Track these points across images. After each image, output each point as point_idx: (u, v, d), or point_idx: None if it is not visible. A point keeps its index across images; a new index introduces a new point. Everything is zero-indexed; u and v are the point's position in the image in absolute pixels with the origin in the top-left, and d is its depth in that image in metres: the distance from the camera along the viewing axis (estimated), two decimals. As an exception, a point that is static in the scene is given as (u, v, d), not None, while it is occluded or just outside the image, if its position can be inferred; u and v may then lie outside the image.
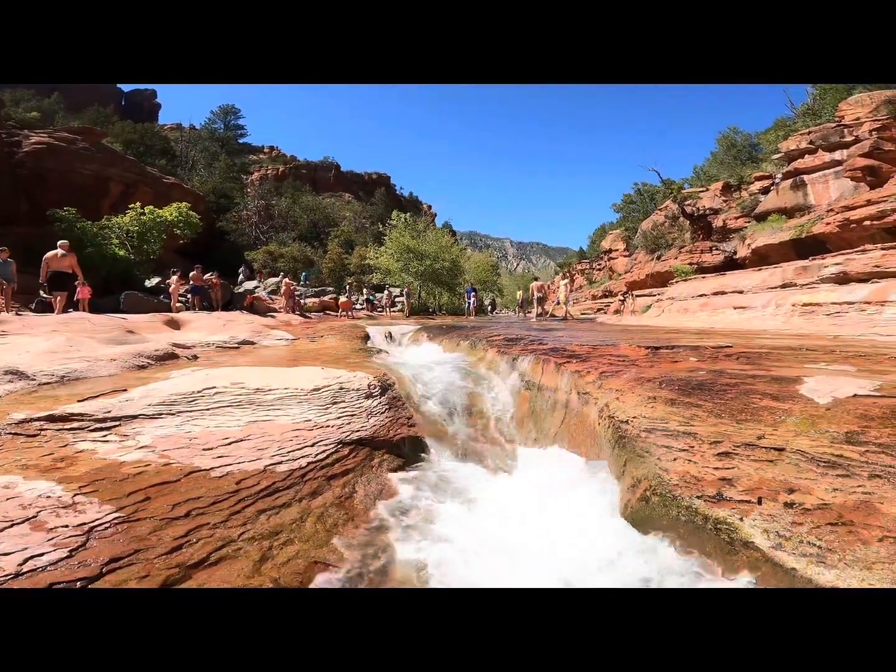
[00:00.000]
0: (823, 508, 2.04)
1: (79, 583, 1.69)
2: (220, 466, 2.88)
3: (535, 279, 19.38)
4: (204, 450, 3.13)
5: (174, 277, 15.02)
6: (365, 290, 24.53)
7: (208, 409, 3.95)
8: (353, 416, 4.14)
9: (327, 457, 3.29)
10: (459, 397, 5.51)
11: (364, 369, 5.72)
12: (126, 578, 1.75)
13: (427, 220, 29.51)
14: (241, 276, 21.31)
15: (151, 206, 17.42)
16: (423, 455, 4.06)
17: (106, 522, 2.10)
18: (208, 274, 16.66)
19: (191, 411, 3.87)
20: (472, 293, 22.65)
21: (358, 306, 23.61)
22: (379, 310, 23.41)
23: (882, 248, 10.22)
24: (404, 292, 23.19)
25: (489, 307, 23.90)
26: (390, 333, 11.78)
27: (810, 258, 12.47)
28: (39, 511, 2.11)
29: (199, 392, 4.31)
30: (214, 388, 4.47)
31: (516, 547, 2.57)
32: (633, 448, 3.04)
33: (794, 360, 4.22)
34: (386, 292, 24.19)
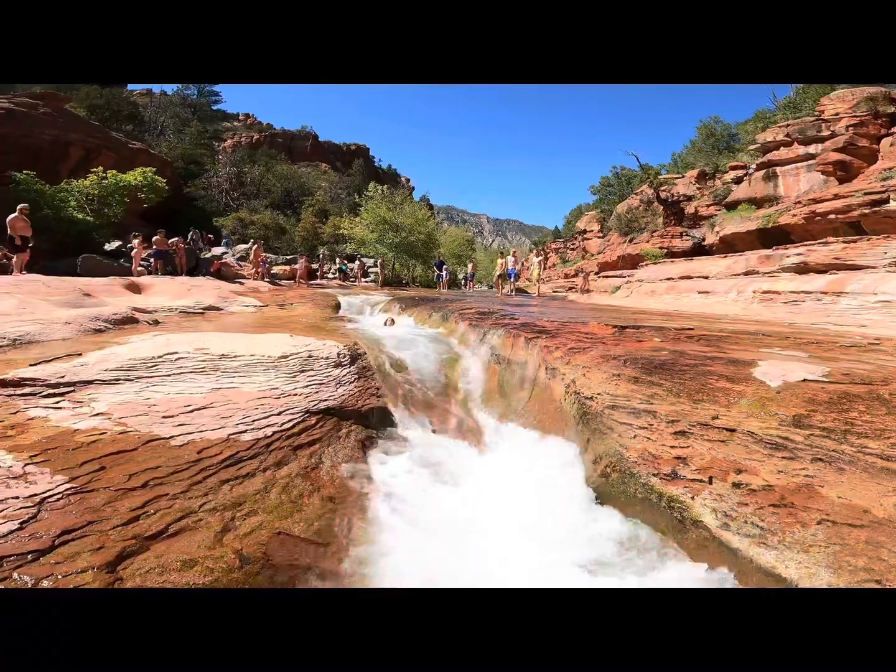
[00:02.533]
0: (768, 490, 2.16)
1: (29, 555, 1.65)
2: (181, 435, 2.81)
3: (501, 254, 19.17)
4: (164, 417, 3.05)
5: (136, 241, 14.48)
6: (338, 260, 24.18)
7: (169, 376, 3.83)
8: (321, 384, 4.09)
9: (294, 426, 3.26)
10: (429, 369, 5.52)
11: (334, 338, 5.66)
12: (79, 551, 1.71)
13: (404, 193, 29.22)
14: (191, 239, 20.36)
15: (114, 171, 17.06)
16: (391, 426, 4.06)
17: (58, 493, 2.04)
18: (173, 238, 16.13)
19: (150, 377, 3.75)
20: (444, 266, 22.57)
21: (330, 276, 23.30)
22: (351, 279, 23.12)
23: (844, 242, 10.52)
24: (378, 263, 22.99)
25: (463, 281, 23.82)
26: (362, 303, 11.65)
27: (774, 248, 12.80)
28: (-11, 482, 2.03)
29: (160, 357, 4.18)
30: (176, 353, 4.35)
31: (480, 518, 2.63)
32: (596, 425, 3.12)
33: (751, 344, 4.38)
34: (358, 262, 23.91)
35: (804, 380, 2.87)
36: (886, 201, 10.64)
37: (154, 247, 14.88)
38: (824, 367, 3.10)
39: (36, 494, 2.00)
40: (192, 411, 3.19)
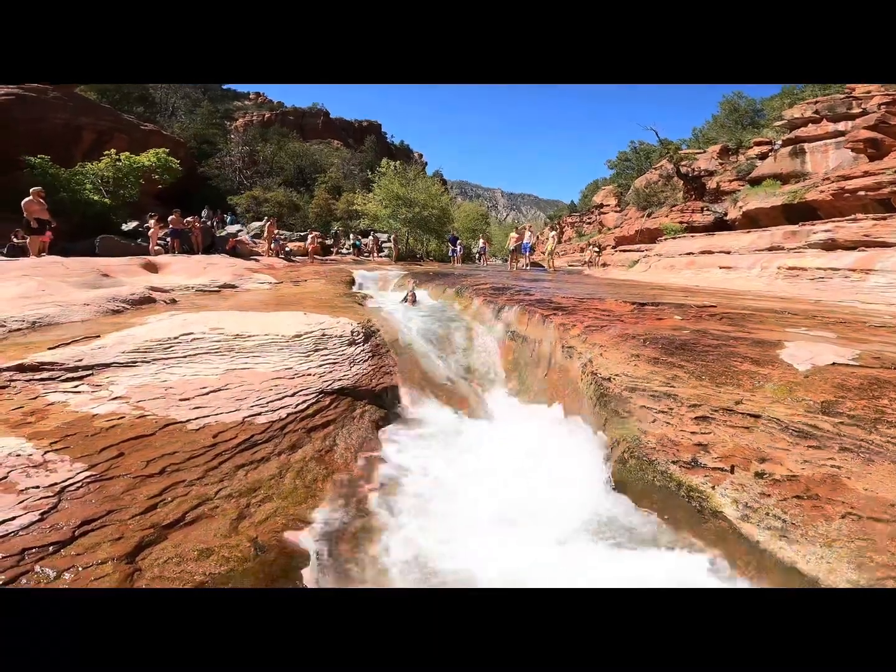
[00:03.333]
0: (792, 480, 2.07)
1: (51, 547, 1.67)
2: (198, 418, 2.83)
3: (515, 228, 19.02)
4: (180, 400, 3.07)
5: (152, 221, 14.62)
6: (351, 236, 24.25)
7: (185, 357, 3.86)
8: (335, 364, 4.09)
9: (308, 407, 3.26)
10: (444, 346, 5.48)
11: (348, 315, 5.63)
12: (99, 541, 1.74)
13: (417, 169, 28.95)
14: (204, 217, 20.49)
15: (127, 153, 17.23)
16: (406, 405, 4.06)
17: (78, 482, 2.06)
18: (188, 218, 16.28)
19: (167, 359, 3.78)
20: (457, 241, 22.47)
21: (344, 251, 23.36)
22: (365, 254, 23.13)
23: (874, 219, 10.11)
24: (391, 238, 23.01)
25: (477, 255, 23.68)
26: (376, 279, 11.59)
27: (800, 224, 12.36)
28: (10, 471, 2.05)
29: (175, 338, 4.20)
30: (192, 333, 4.36)
31: (498, 502, 2.62)
32: (613, 407, 3.05)
33: (776, 324, 4.23)
34: (372, 237, 23.94)
35: (833, 363, 2.75)
36: (918, 179, 10.26)
37: (170, 226, 15.00)
38: (854, 350, 2.96)
39: (56, 483, 2.03)
40: (207, 393, 3.21)
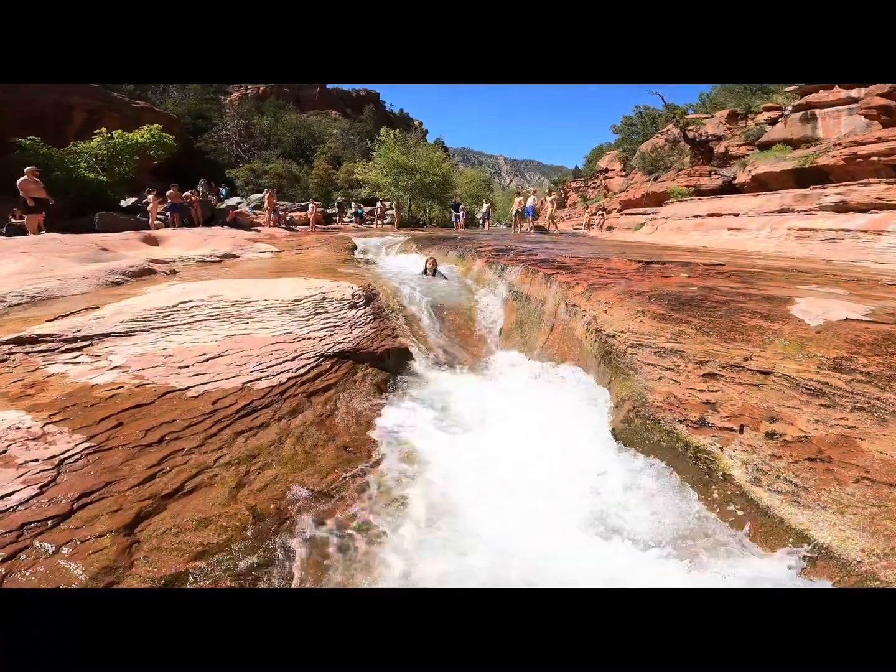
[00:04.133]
0: (804, 441, 1.99)
1: (49, 521, 1.67)
2: (196, 385, 2.80)
3: (518, 192, 18.92)
4: (179, 368, 3.04)
5: (150, 196, 14.52)
6: (353, 204, 24.05)
7: (184, 325, 3.82)
8: (335, 327, 4.04)
9: (308, 371, 3.23)
10: (446, 307, 5.40)
11: (349, 279, 5.55)
12: (97, 514, 1.73)
13: (417, 136, 28.45)
14: (200, 190, 20.21)
15: (120, 130, 17.10)
16: (408, 367, 4.02)
17: (77, 453, 2.05)
18: (187, 192, 16.14)
19: (165, 327, 3.74)
20: (460, 207, 22.52)
21: (346, 219, 23.22)
22: (368, 222, 22.97)
23: (887, 182, 10.06)
24: (393, 205, 22.86)
25: (480, 221, 23.47)
26: (379, 245, 11.41)
27: (811, 187, 12.35)
28: (9, 445, 2.04)
29: (174, 306, 4.15)
30: (191, 301, 4.31)
31: (504, 463, 2.60)
32: (618, 364, 2.98)
33: (786, 281, 4.09)
34: (379, 204, 23.81)
35: (846, 319, 2.64)
36: (933, 146, 10.06)
37: (169, 200, 14.86)
38: (867, 306, 2.84)
39: (55, 456, 2.02)
40: (206, 360, 3.18)
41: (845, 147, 12.38)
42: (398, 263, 8.68)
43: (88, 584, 1.43)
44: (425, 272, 6.54)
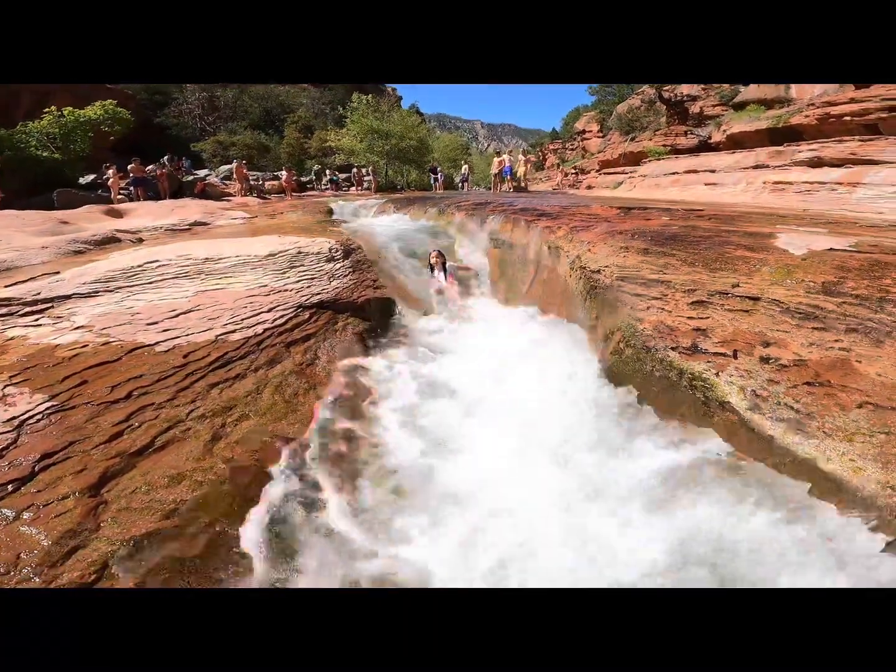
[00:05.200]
0: (800, 365, 1.93)
1: (10, 486, 1.56)
2: (166, 340, 2.66)
3: (497, 153, 18.72)
4: (148, 324, 2.89)
5: (110, 171, 13.63)
6: (328, 171, 23.34)
7: (151, 283, 3.63)
8: (313, 279, 3.89)
9: (286, 322, 3.09)
10: (427, 257, 5.24)
11: (326, 236, 5.34)
12: (60, 475, 1.61)
13: (391, 102, 27.37)
14: (164, 163, 19.23)
15: (71, 108, 16.22)
16: (391, 316, 3.92)
17: (38, 414, 1.92)
18: (151, 165, 15.55)
19: (132, 286, 3.55)
20: (438, 170, 22.27)
21: (323, 187, 22.61)
22: (344, 189, 22.38)
23: (860, 139, 10.44)
24: (370, 170, 22.28)
25: (460, 184, 23.15)
26: (356, 207, 11.02)
27: (785, 144, 12.79)
28: (-32, 412, 1.91)
29: (139, 266, 3.95)
30: (157, 261, 4.11)
31: (491, 400, 2.55)
32: (605, 298, 2.90)
33: (766, 223, 4.03)
34: (355, 170, 23.17)
35: (830, 249, 2.57)
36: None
37: (131, 175, 14.10)
38: (850, 240, 2.78)
39: (15, 417, 1.88)
40: (177, 315, 3.02)
41: (818, 107, 12.65)
42: (377, 223, 8.42)
43: (51, 550, 1.35)
44: (431, 269, 4.66)
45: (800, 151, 11.72)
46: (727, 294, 2.37)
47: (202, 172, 21.64)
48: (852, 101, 11.61)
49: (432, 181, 22.20)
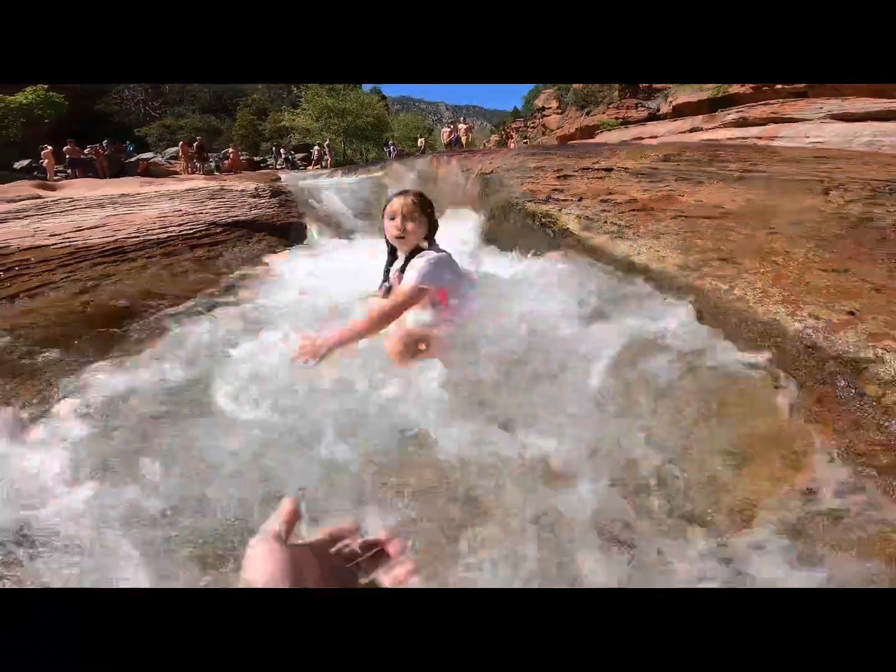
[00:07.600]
0: (632, 202, 2.20)
1: None
2: (63, 243, 2.72)
3: (448, 124, 19.57)
4: (50, 236, 2.92)
5: (44, 152, 13.10)
6: (282, 151, 23.15)
7: (62, 212, 3.64)
8: (233, 207, 3.94)
9: (195, 232, 3.15)
10: (355, 199, 5.39)
11: (259, 183, 5.40)
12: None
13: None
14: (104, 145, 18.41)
15: (0, 94, 16.24)
16: (307, 238, 3.99)
17: None
18: (89, 147, 14.60)
19: (41, 215, 3.56)
20: (391, 143, 22.54)
21: (278, 166, 22.41)
22: (301, 168, 22.19)
23: (783, 100, 11.76)
24: (326, 146, 22.16)
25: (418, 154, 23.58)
26: (305, 177, 10.98)
27: (719, 110, 14.37)
28: None
29: (52, 201, 3.96)
30: (71, 198, 4.12)
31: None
32: (492, 185, 3.21)
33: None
34: (316, 148, 22.94)
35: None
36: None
37: (67, 156, 13.35)
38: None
39: None
40: (81, 230, 3.05)
41: (755, 77, 13.78)
42: (320, 182, 8.46)
43: None
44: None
45: (729, 114, 13.03)
46: (588, 169, 2.65)
47: (147, 155, 20.64)
48: (786, 69, 12.68)
49: (388, 155, 22.60)
